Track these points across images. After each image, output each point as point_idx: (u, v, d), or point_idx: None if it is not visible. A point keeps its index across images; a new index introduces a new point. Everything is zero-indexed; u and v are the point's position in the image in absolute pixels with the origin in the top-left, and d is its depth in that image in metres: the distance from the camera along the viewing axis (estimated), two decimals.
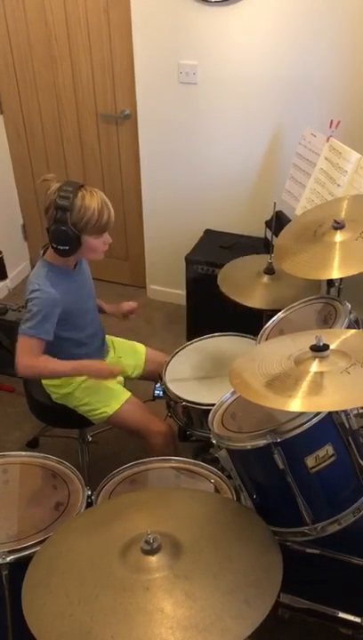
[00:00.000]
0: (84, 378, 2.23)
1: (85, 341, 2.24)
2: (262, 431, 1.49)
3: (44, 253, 2.13)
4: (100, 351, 2.35)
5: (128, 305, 2.46)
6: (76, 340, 2.20)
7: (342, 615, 1.73)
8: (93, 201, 1.98)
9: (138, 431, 2.26)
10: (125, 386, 2.37)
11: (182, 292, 3.40)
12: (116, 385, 2.29)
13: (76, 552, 1.46)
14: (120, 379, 2.35)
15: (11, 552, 1.59)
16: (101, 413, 2.24)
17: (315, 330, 1.84)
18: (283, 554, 1.40)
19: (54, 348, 2.13)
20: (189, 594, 1.26)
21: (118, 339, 2.49)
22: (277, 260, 2.13)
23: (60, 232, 1.98)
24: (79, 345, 2.22)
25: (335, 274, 1.92)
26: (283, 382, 1.45)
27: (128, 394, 2.28)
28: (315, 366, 1.46)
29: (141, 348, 2.49)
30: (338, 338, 1.58)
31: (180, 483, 1.93)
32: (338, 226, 1.98)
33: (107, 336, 2.43)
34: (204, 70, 3.03)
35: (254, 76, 2.95)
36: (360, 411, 1.59)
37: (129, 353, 2.45)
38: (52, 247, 2.03)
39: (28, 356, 2.05)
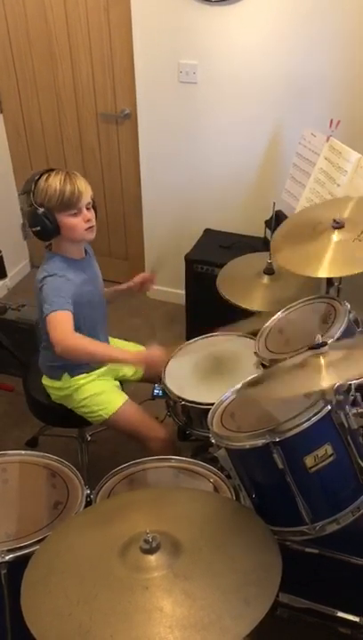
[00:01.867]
0: (83, 381, 2.23)
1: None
2: (261, 430, 1.49)
3: (49, 248, 2.15)
4: None
5: (142, 278, 2.39)
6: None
7: (341, 615, 1.73)
8: (56, 179, 2.00)
9: (135, 435, 2.25)
10: (123, 388, 2.36)
11: (182, 292, 3.40)
12: (114, 388, 2.29)
13: (75, 551, 1.46)
14: (117, 382, 2.35)
15: (10, 551, 1.59)
16: (98, 416, 2.24)
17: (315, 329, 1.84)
18: (282, 553, 1.40)
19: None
20: (188, 593, 1.26)
21: (120, 341, 2.49)
22: (272, 251, 2.13)
23: (30, 214, 2.02)
24: None
25: (323, 272, 1.93)
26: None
27: (125, 398, 2.27)
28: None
29: (142, 350, 2.47)
30: None
31: (179, 482, 1.93)
32: (337, 226, 1.99)
33: (109, 338, 2.43)
34: (204, 70, 3.03)
35: (254, 75, 2.95)
36: (359, 410, 1.59)
37: None
38: (32, 232, 2.05)
39: (59, 332, 1.96)
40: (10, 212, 3.88)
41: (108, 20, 3.14)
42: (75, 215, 2.03)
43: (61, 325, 1.98)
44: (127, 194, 3.63)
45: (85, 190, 2.04)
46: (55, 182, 1.99)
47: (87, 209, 2.05)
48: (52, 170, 2.03)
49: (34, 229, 2.04)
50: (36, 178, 2.01)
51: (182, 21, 2.94)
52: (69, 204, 2.01)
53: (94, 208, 2.10)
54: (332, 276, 1.94)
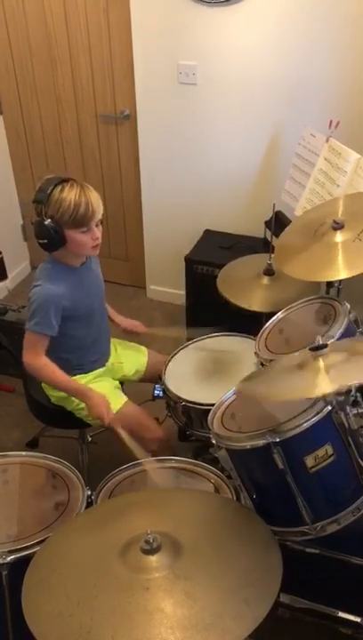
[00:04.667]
0: (82, 382, 2.23)
1: (87, 341, 2.23)
2: (262, 431, 1.50)
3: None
4: (101, 355, 2.34)
5: (133, 326, 2.47)
6: (77, 338, 2.20)
7: (341, 615, 1.73)
8: (71, 193, 1.94)
9: (133, 436, 2.25)
10: (123, 389, 2.37)
11: (182, 293, 3.40)
12: (113, 390, 2.29)
13: (76, 552, 1.46)
14: (118, 383, 2.35)
15: (11, 552, 1.59)
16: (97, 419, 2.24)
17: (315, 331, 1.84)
18: (283, 553, 1.40)
19: (55, 343, 2.14)
20: (188, 594, 1.26)
21: (121, 341, 2.49)
22: (278, 262, 2.13)
23: (39, 225, 1.97)
24: (80, 344, 2.22)
25: (338, 275, 1.92)
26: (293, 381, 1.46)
27: (124, 399, 2.27)
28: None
29: (143, 351, 2.48)
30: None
31: (180, 483, 1.93)
32: (338, 226, 1.99)
33: (115, 343, 2.42)
34: (203, 71, 3.03)
35: (253, 76, 2.96)
36: (360, 411, 1.59)
37: (131, 356, 2.44)
38: (37, 242, 2.02)
39: (32, 352, 2.09)
40: (10, 213, 3.89)
41: (107, 22, 3.14)
42: (84, 232, 1.99)
43: (34, 348, 2.09)
44: (127, 195, 3.63)
45: (99, 209, 1.99)
46: (70, 197, 1.93)
47: (96, 226, 2.02)
48: (65, 181, 1.96)
49: (40, 241, 1.99)
50: (50, 188, 1.94)
51: (182, 23, 2.94)
52: (82, 222, 1.96)
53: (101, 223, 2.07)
54: (347, 277, 1.92)
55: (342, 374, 1.44)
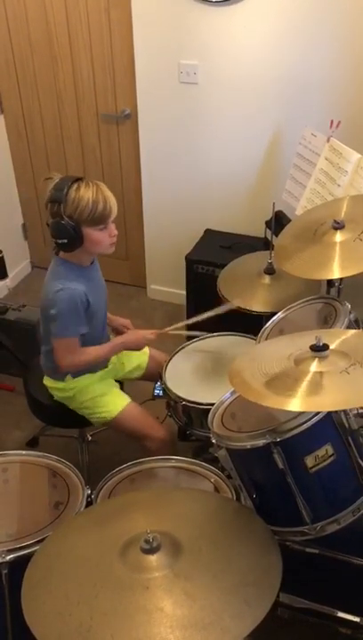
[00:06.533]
0: (86, 383, 2.24)
1: (91, 340, 2.22)
2: (262, 431, 1.50)
3: (57, 252, 2.12)
4: None
5: (122, 322, 2.45)
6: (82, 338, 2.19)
7: (341, 615, 1.73)
8: (88, 191, 1.96)
9: (136, 436, 2.26)
10: (123, 388, 2.36)
11: (182, 292, 3.40)
12: (117, 390, 2.29)
13: (76, 551, 1.46)
14: (117, 384, 2.35)
15: (10, 551, 1.59)
16: (101, 418, 2.24)
17: (314, 330, 1.84)
18: (282, 553, 1.40)
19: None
20: (188, 593, 1.26)
21: None
22: (277, 260, 2.13)
23: (57, 225, 1.97)
24: (84, 343, 2.21)
25: (335, 274, 1.92)
26: (283, 382, 1.45)
27: (128, 399, 2.27)
28: (315, 366, 1.46)
29: (144, 349, 2.48)
30: (338, 338, 1.58)
31: (179, 482, 1.93)
32: (338, 226, 1.99)
33: (112, 337, 2.43)
34: (204, 70, 3.03)
35: (254, 75, 2.96)
36: (360, 411, 1.59)
37: (132, 354, 2.44)
38: (55, 242, 2.02)
39: (68, 355, 2.11)
40: (11, 212, 3.89)
41: (108, 21, 3.14)
42: (101, 230, 2.01)
43: (69, 351, 2.10)
44: (127, 194, 3.63)
45: (115, 206, 2.02)
46: (87, 195, 1.95)
47: (112, 223, 2.04)
48: (79, 179, 1.98)
49: (60, 241, 1.99)
50: (67, 187, 1.95)
51: (183, 22, 2.94)
52: (101, 219, 1.98)
53: None
54: (343, 276, 1.93)
55: (337, 391, 1.40)
